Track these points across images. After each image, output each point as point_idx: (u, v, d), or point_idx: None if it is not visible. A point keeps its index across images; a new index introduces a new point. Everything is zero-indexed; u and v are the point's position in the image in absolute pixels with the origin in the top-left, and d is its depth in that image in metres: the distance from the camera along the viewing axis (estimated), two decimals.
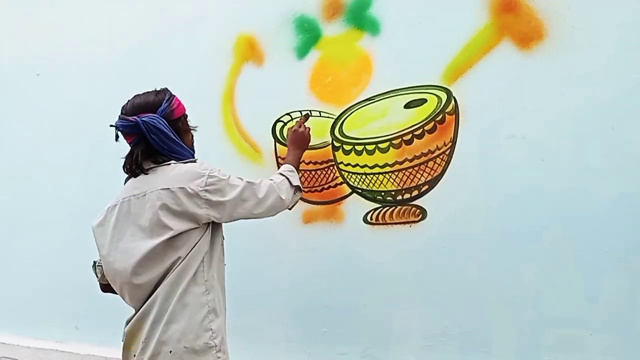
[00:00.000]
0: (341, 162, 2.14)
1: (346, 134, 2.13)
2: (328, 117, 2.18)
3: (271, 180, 1.74)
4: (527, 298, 1.79)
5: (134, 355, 1.51)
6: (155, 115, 1.56)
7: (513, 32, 1.84)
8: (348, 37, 2.15)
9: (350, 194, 2.12)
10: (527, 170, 1.82)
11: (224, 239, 1.71)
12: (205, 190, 1.53)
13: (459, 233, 1.91)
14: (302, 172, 2.22)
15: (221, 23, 2.51)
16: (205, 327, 1.50)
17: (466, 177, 1.91)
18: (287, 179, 1.78)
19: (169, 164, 1.59)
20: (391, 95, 2.04)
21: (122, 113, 1.63)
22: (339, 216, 2.14)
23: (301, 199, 2.21)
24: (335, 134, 2.16)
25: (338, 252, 2.14)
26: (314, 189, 2.21)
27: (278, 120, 2.30)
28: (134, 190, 1.57)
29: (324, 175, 2.19)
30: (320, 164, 2.18)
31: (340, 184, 2.14)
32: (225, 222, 1.65)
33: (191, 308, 1.49)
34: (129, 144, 1.63)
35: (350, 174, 2.12)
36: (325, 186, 2.18)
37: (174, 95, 1.67)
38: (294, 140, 1.98)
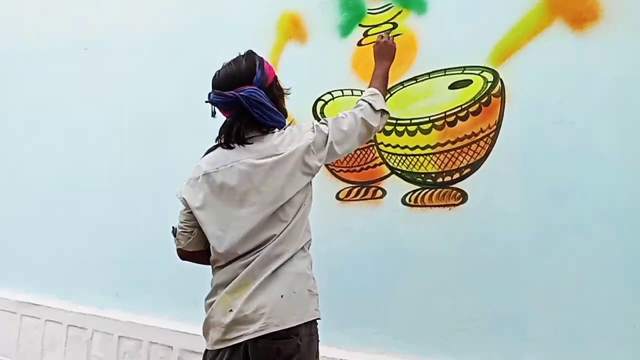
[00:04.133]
0: (381, 143, 2.13)
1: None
2: None
3: (355, 109, 1.69)
4: (567, 287, 1.75)
5: (230, 310, 1.51)
6: (254, 87, 1.54)
7: (566, 12, 1.78)
8: (393, 15, 2.12)
9: (390, 174, 2.11)
10: (573, 158, 1.77)
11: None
12: (313, 143, 1.55)
13: (500, 218, 1.88)
14: None
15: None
16: (310, 275, 1.58)
17: (510, 162, 1.87)
18: (370, 104, 1.69)
19: (273, 132, 1.58)
20: (436, 75, 2.01)
21: (214, 86, 1.60)
22: (377, 197, 2.13)
23: (338, 177, 2.22)
24: None
25: (375, 233, 2.14)
26: (352, 168, 2.20)
27: (319, 99, 2.30)
28: (238, 157, 1.55)
29: (364, 155, 2.18)
30: None
31: (380, 164, 2.13)
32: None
33: (302, 260, 1.57)
34: (227, 117, 1.60)
35: (390, 155, 2.10)
36: (364, 166, 2.17)
37: (263, 59, 1.63)
38: (379, 50, 1.85)
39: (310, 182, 1.63)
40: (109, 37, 3.15)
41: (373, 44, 1.89)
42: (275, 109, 1.57)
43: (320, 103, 2.29)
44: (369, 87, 1.77)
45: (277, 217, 1.53)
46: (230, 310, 1.50)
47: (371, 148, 2.15)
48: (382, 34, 1.92)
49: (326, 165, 2.25)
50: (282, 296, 1.49)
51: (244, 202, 1.53)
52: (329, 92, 2.27)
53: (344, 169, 2.22)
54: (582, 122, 1.76)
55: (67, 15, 3.41)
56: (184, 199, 1.63)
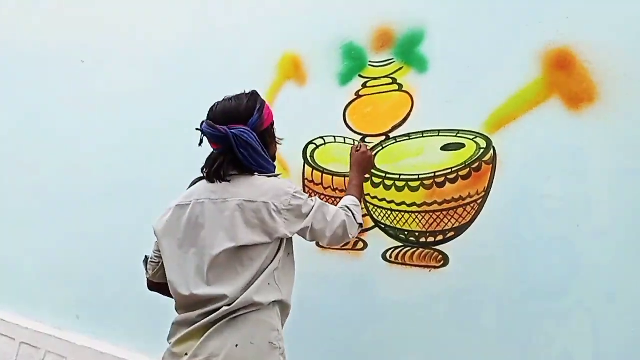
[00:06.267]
0: (368, 194, 2.10)
1: (377, 166, 2.09)
2: None
3: (340, 208, 1.68)
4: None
5: (185, 354, 1.44)
6: (246, 128, 1.52)
7: (563, 90, 1.80)
8: (394, 70, 2.13)
9: (373, 227, 2.08)
10: (558, 233, 1.75)
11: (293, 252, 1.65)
12: (287, 210, 1.51)
13: (480, 285, 1.85)
14: (327, 197, 2.20)
15: (269, 38, 2.52)
16: (274, 326, 1.49)
17: (495, 230, 1.85)
18: (354, 215, 1.69)
19: (253, 174, 1.56)
20: (429, 135, 2.01)
21: (209, 117, 1.58)
22: (358, 248, 2.09)
23: None
24: None
25: (351, 285, 2.10)
26: None
27: (311, 142, 2.28)
28: (212, 195, 1.53)
29: None
30: None
31: (364, 216, 2.10)
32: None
33: (262, 316, 1.48)
34: (214, 149, 1.59)
35: (376, 208, 2.08)
36: None
37: (265, 103, 1.63)
38: (360, 161, 1.90)
39: (288, 245, 1.59)
40: (105, 52, 3.15)
41: (353, 149, 1.94)
42: (263, 153, 1.56)
43: (312, 147, 2.28)
44: (348, 194, 1.78)
45: (239, 262, 1.47)
46: (186, 354, 1.44)
47: None
48: (360, 144, 2.00)
49: None
50: (237, 345, 1.42)
51: (203, 239, 1.50)
52: (321, 137, 2.26)
53: None
54: (570, 198, 1.75)
55: (65, 28, 3.40)
56: (154, 227, 1.61)
